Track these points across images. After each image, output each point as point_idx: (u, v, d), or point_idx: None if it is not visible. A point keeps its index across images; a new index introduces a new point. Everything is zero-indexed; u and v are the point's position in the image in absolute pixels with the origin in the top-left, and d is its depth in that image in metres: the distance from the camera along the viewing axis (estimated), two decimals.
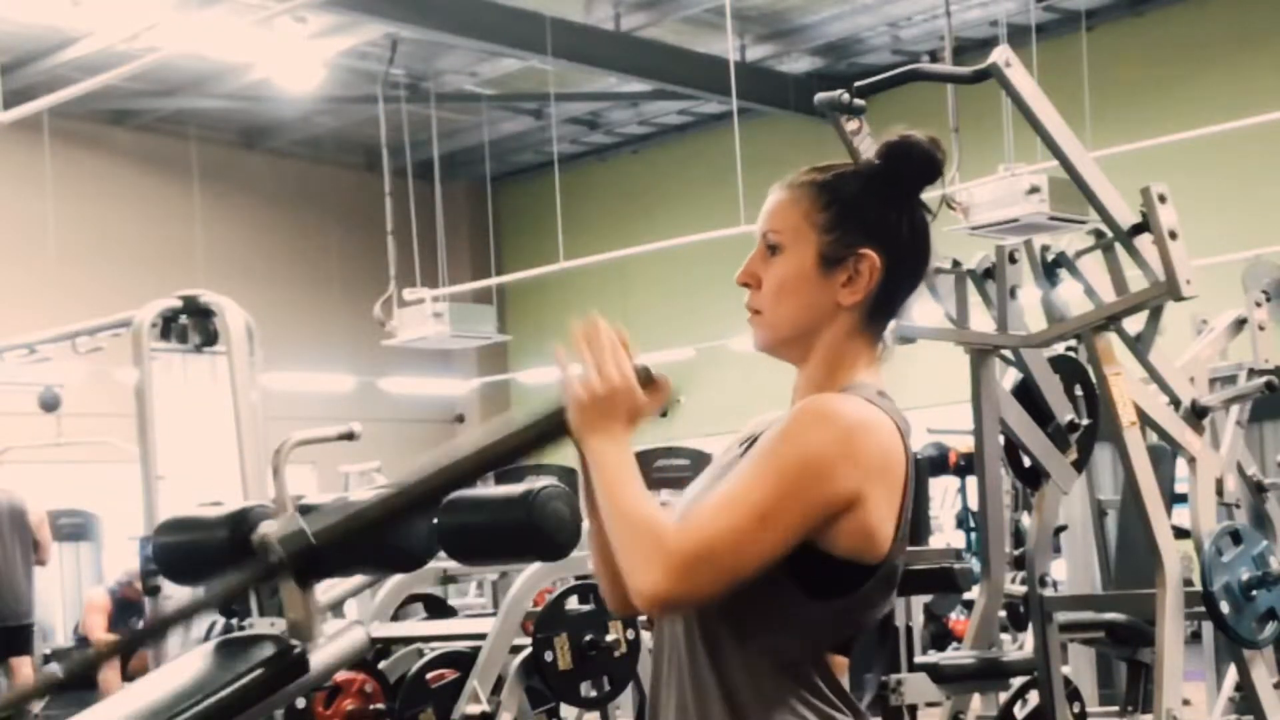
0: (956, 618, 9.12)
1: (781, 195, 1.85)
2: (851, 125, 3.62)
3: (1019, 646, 5.65)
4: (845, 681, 1.81)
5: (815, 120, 3.70)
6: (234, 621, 5.05)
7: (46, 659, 10.15)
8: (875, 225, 1.81)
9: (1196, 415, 4.08)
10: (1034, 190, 8.82)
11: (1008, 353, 4.24)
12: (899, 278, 1.83)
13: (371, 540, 1.94)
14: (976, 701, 4.73)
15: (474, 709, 4.29)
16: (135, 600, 9.87)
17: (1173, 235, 3.67)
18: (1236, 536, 3.87)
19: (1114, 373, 3.85)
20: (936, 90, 10.00)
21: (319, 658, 3.12)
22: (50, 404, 10.55)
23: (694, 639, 1.77)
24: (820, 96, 3.68)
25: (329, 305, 15.51)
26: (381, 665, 4.61)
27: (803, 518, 1.69)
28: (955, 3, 11.24)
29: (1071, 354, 4.40)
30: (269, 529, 3.06)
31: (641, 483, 1.73)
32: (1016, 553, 5.37)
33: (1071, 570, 6.43)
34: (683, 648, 1.79)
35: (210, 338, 5.62)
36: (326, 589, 3.62)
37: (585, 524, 1.90)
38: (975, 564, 5.77)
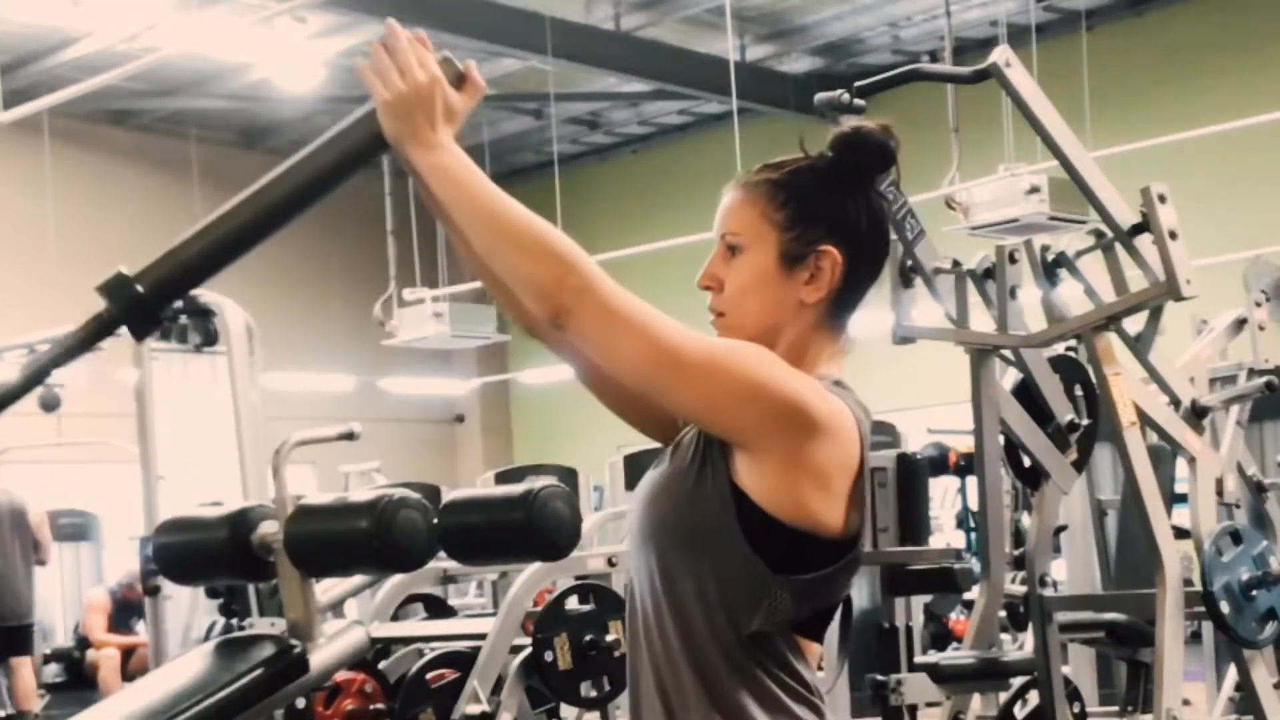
0: (956, 618, 9.12)
1: (737, 195, 1.84)
2: None
3: (1019, 646, 5.64)
4: (828, 669, 1.83)
5: (815, 120, 3.70)
6: (234, 621, 5.05)
7: (46, 659, 10.16)
8: (834, 220, 1.81)
9: (1196, 415, 4.08)
10: (1034, 190, 8.82)
11: (1008, 353, 4.23)
12: (860, 271, 1.83)
13: (199, 282, 1.86)
14: (976, 701, 4.72)
15: (474, 709, 4.29)
16: (136, 601, 9.86)
17: (1173, 235, 3.66)
18: (1236, 536, 3.86)
19: (1114, 373, 3.85)
20: (936, 90, 10.00)
21: (319, 658, 3.12)
22: (50, 404, 10.53)
23: (663, 613, 1.78)
24: (820, 96, 3.68)
25: (329, 305, 15.50)
26: (381, 665, 4.61)
27: (710, 399, 1.69)
28: (955, 3, 11.24)
29: (1071, 354, 4.40)
30: (268, 528, 3.06)
31: (493, 184, 1.73)
32: (1016, 553, 5.36)
33: (1071, 570, 6.42)
34: (653, 623, 1.79)
35: (210, 338, 5.62)
36: (326, 589, 3.61)
37: (460, 250, 1.88)
38: (975, 564, 5.77)
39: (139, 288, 1.79)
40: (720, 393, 1.69)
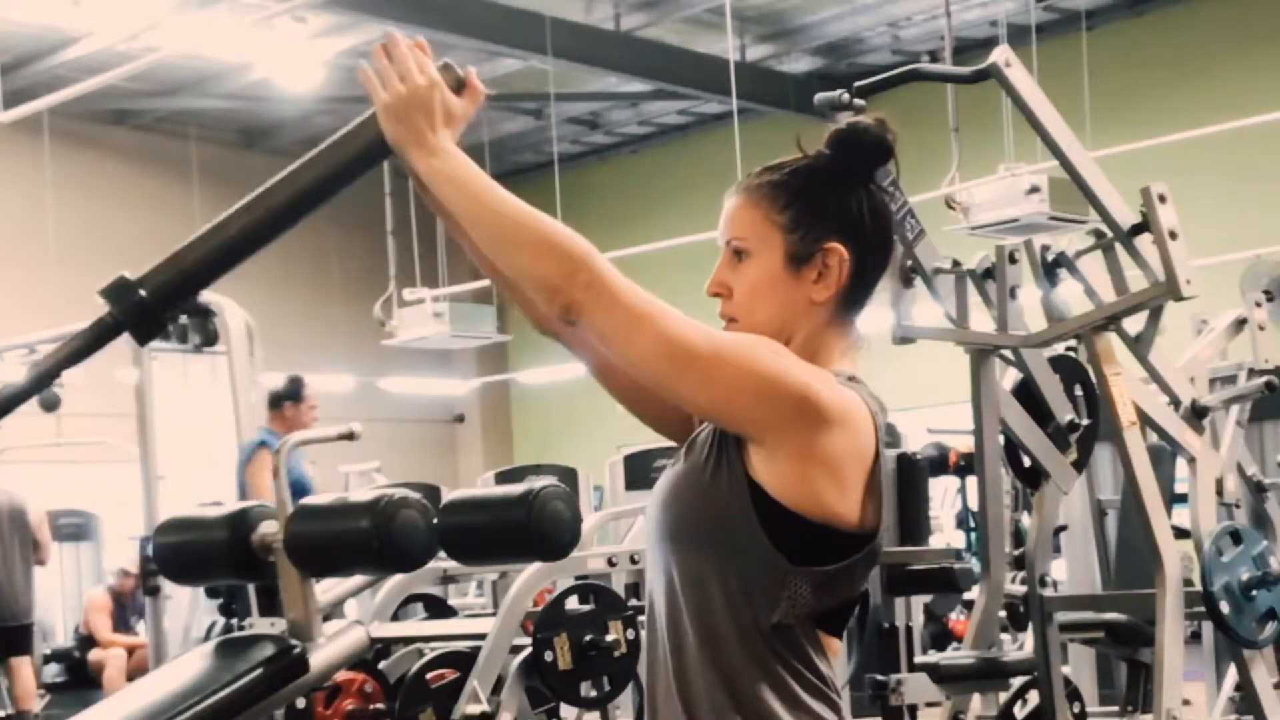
0: (956, 618, 9.12)
1: (739, 200, 1.85)
2: None
3: (1019, 646, 5.64)
4: (839, 667, 1.83)
5: (815, 120, 3.69)
6: (234, 621, 5.06)
7: (47, 659, 10.16)
8: (838, 217, 1.82)
9: (1196, 415, 4.08)
10: (1034, 190, 8.82)
11: (1008, 353, 4.23)
12: (867, 266, 1.84)
13: (203, 286, 1.86)
14: (976, 701, 4.72)
15: (474, 709, 4.28)
16: (132, 594, 9.88)
17: (1173, 235, 3.66)
18: (1236, 536, 3.87)
19: (1114, 373, 3.85)
20: (936, 90, 9.99)
21: (319, 658, 3.12)
22: (50, 404, 10.55)
23: (681, 611, 1.78)
24: (820, 96, 3.68)
25: (329, 305, 15.51)
26: (381, 665, 4.60)
27: (722, 392, 1.70)
28: (955, 3, 11.23)
29: (1071, 354, 4.40)
30: (268, 528, 3.06)
31: (495, 183, 1.75)
32: (1016, 553, 5.36)
33: (1071, 570, 6.42)
34: (672, 621, 1.80)
35: (210, 338, 5.63)
36: (326, 589, 3.62)
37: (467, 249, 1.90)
38: (975, 564, 5.77)
39: (142, 292, 1.80)
40: (731, 385, 1.70)
